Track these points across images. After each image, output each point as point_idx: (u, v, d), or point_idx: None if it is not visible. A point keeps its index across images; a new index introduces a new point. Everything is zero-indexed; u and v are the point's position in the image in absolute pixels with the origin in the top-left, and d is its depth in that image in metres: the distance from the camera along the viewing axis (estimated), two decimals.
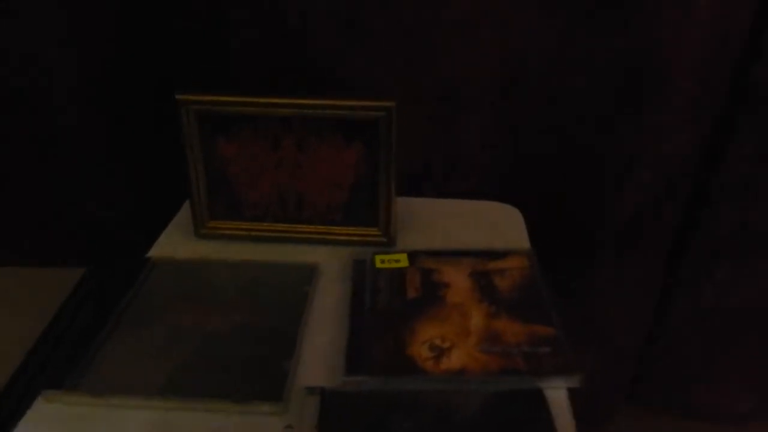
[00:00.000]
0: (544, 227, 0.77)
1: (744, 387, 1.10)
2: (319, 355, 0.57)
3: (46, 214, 0.96)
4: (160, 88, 0.79)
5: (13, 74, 0.82)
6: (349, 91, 0.71)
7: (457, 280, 0.65)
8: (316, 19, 0.74)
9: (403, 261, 0.68)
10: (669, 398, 1.14)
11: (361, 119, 0.66)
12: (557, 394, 0.53)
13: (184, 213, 0.78)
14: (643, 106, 0.78)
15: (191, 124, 0.67)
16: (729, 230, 0.91)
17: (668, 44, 0.73)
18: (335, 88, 0.76)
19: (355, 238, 0.72)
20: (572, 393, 0.54)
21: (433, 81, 0.78)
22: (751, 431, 1.12)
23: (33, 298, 0.89)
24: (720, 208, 0.89)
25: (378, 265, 0.68)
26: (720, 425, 1.12)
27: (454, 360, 0.55)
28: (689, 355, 1.07)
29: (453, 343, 0.57)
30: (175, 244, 0.74)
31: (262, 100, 0.66)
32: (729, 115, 0.80)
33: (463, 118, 0.82)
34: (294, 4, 0.73)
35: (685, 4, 0.70)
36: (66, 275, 0.95)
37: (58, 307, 0.88)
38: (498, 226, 0.77)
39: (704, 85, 0.76)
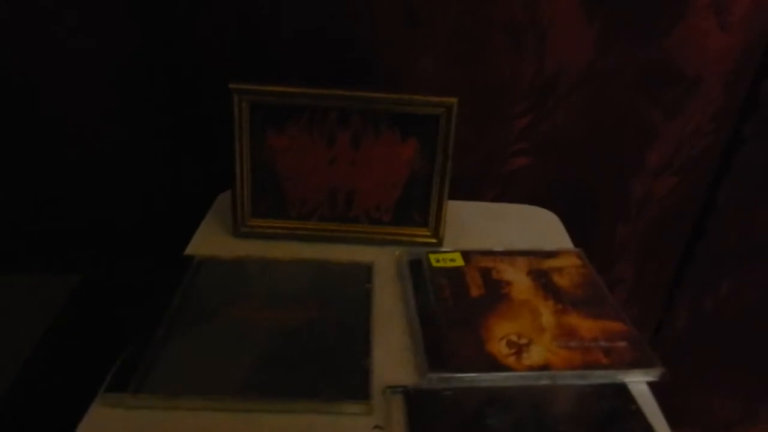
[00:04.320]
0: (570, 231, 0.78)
1: (733, 394, 1.14)
2: (393, 353, 0.55)
3: (51, 218, 0.89)
4: (204, 79, 0.75)
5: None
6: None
7: (517, 278, 0.65)
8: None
9: (458, 260, 0.67)
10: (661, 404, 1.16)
11: (421, 115, 0.65)
12: (640, 388, 0.53)
13: (217, 211, 0.74)
14: (674, 114, 0.81)
15: (242, 114, 0.64)
16: (734, 240, 0.95)
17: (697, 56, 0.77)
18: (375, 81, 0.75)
19: (403, 238, 0.70)
20: None
21: (471, 88, 0.79)
22: None
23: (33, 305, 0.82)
24: (725, 217, 0.93)
25: (434, 264, 0.66)
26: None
27: (535, 356, 0.54)
28: (684, 363, 1.10)
29: (530, 339, 0.56)
30: (211, 243, 0.69)
31: (319, 91, 0.64)
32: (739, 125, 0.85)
33: (497, 124, 0.83)
34: None
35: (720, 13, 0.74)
36: (61, 283, 0.87)
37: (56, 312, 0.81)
38: (538, 228, 0.77)
39: (728, 94, 0.81)
